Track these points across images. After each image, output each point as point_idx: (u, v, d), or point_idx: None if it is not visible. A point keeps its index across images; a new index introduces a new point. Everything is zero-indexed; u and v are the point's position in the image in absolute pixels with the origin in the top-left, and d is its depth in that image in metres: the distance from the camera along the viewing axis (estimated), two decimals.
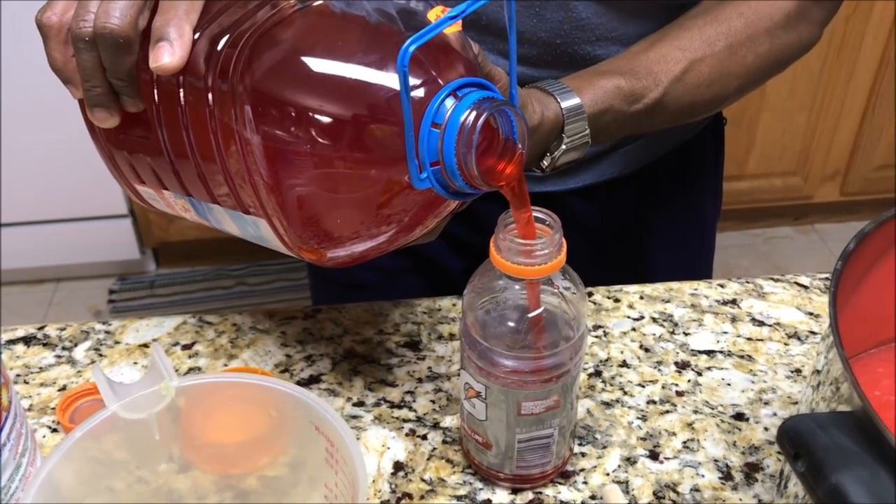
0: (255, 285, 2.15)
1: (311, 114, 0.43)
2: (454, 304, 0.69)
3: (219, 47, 0.46)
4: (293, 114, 0.43)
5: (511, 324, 0.49)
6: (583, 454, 0.57)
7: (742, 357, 0.64)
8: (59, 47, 0.49)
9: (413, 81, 0.43)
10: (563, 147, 0.58)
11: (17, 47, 1.76)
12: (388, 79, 0.44)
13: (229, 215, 0.51)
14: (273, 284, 2.15)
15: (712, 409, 0.60)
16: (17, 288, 2.12)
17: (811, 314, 0.68)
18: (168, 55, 0.45)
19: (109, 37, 0.45)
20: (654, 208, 0.83)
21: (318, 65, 0.44)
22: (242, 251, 2.19)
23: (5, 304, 2.06)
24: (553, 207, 0.49)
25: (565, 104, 0.57)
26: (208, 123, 0.47)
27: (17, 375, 0.63)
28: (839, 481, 0.34)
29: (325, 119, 0.43)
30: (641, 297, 0.70)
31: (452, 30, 0.47)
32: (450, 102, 0.44)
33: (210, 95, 0.46)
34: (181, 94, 0.48)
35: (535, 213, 0.47)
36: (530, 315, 0.49)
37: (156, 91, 0.50)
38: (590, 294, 0.70)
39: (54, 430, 0.59)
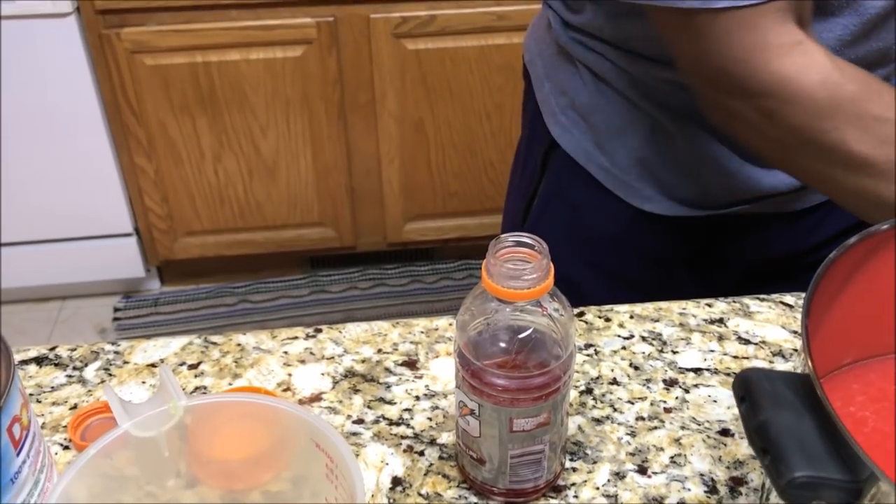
0: (258, 302, 2.18)
1: None
2: (450, 324, 0.71)
3: None
4: None
5: (502, 344, 0.51)
6: (574, 469, 0.59)
7: (728, 375, 0.66)
8: None
9: None
10: None
11: (21, 67, 1.80)
12: None
13: None
14: (275, 301, 2.18)
15: (699, 424, 0.62)
16: (23, 306, 2.14)
17: (795, 332, 0.70)
18: None
19: None
20: None
21: None
22: (245, 269, 2.22)
23: (11, 322, 2.08)
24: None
25: None
26: None
27: (30, 395, 0.65)
28: (767, 418, 0.39)
29: None
30: (632, 317, 0.72)
31: None
32: None
33: None
34: None
35: (522, 238, 0.50)
36: (520, 336, 0.51)
37: None
38: (581, 314, 0.72)
39: (66, 448, 0.61)
